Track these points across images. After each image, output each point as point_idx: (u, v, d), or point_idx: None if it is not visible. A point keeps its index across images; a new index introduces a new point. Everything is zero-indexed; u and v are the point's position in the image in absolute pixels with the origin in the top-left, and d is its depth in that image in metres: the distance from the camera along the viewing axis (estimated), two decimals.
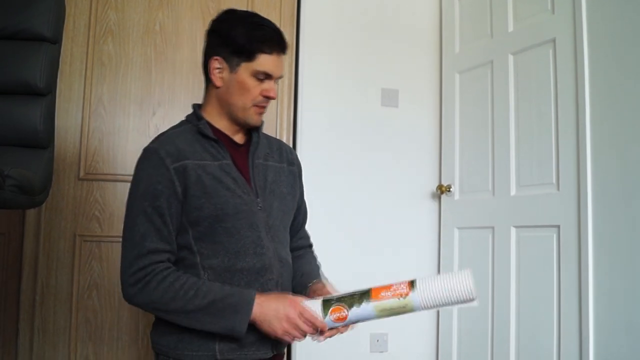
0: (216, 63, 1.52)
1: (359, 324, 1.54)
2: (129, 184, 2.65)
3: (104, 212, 2.69)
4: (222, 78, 1.53)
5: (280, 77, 1.58)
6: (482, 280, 2.72)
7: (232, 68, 1.51)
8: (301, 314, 1.38)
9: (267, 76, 1.52)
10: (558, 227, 2.36)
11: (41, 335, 2.58)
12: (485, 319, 2.68)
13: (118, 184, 2.71)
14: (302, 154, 2.91)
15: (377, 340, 2.93)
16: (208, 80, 1.57)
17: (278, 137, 2.93)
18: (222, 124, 1.57)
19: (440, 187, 3.01)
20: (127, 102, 2.76)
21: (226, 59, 1.51)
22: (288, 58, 2.99)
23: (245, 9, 2.91)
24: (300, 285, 1.63)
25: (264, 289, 1.47)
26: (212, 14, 2.83)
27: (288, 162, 1.70)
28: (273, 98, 1.56)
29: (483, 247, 2.74)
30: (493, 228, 2.69)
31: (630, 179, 2.09)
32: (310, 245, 1.84)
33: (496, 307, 2.62)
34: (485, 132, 2.78)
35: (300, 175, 1.76)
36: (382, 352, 2.94)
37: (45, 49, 1.78)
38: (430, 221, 3.10)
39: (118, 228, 2.66)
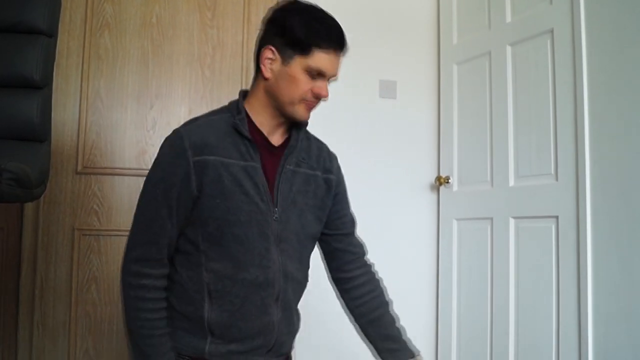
0: (269, 53, 1.45)
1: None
2: (127, 178, 2.71)
3: (102, 206, 2.69)
4: (272, 69, 1.45)
5: (334, 78, 1.50)
6: (481, 271, 2.72)
7: (285, 60, 1.43)
8: None
9: (320, 74, 1.45)
10: (556, 217, 2.36)
11: (41, 330, 2.58)
12: (484, 309, 2.68)
13: (116, 177, 2.70)
14: None
15: None
16: (257, 70, 1.50)
17: None
18: (263, 118, 1.50)
19: (438, 178, 3.01)
20: (124, 95, 2.75)
21: (280, 50, 1.44)
22: None
23: None
24: (385, 352, 1.60)
25: (263, 303, 1.45)
26: (209, 6, 2.87)
27: (324, 169, 1.61)
28: (325, 97, 1.48)
29: (482, 238, 2.74)
30: (492, 219, 2.69)
31: (628, 170, 2.09)
32: (364, 254, 1.73)
33: (495, 298, 2.63)
34: (483, 123, 2.78)
35: (340, 184, 1.67)
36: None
37: (41, 42, 1.77)
38: (428, 213, 3.10)
39: (117, 222, 2.68)
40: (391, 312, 1.65)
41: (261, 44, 1.48)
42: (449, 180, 2.97)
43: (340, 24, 1.50)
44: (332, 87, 3.18)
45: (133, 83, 2.77)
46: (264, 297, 1.45)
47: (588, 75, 2.26)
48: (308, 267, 1.61)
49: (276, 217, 1.46)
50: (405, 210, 3.08)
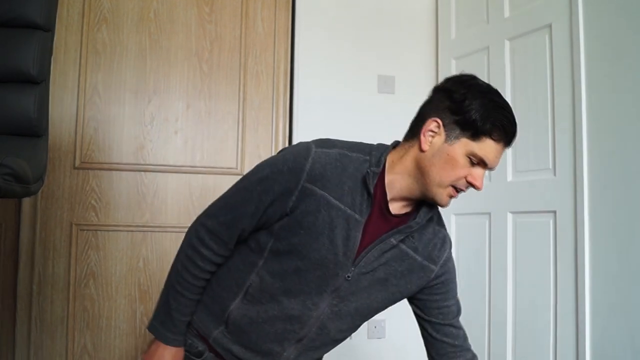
0: (434, 125, 1.34)
1: None
2: (125, 173, 2.71)
3: (100, 201, 2.69)
4: (431, 143, 1.34)
5: (492, 169, 1.38)
6: (478, 266, 2.73)
7: (449, 138, 1.32)
8: None
9: (481, 163, 1.34)
10: (554, 212, 2.36)
11: (39, 325, 2.58)
12: (482, 304, 2.68)
13: (114, 172, 2.70)
14: (297, 140, 2.91)
15: (375, 327, 2.94)
16: (413, 136, 1.40)
17: (274, 126, 2.93)
18: (397, 183, 1.39)
19: None
20: (122, 90, 2.75)
21: (446, 126, 1.33)
22: (283, 44, 2.98)
23: None
24: None
25: (283, 335, 1.43)
26: (207, 1, 2.87)
27: (428, 257, 1.47)
28: (477, 188, 1.36)
29: (480, 233, 2.74)
30: (490, 214, 2.69)
31: (626, 164, 2.09)
32: (465, 347, 1.58)
33: (493, 292, 2.63)
34: None
35: (441, 276, 1.52)
36: (379, 338, 2.95)
37: (38, 37, 1.76)
38: None
39: (115, 217, 2.68)
40: None
41: (427, 112, 1.38)
42: None
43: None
44: (331, 82, 3.18)
45: (131, 78, 2.76)
46: (288, 331, 1.42)
47: (586, 70, 2.26)
48: (353, 331, 1.54)
49: (348, 276, 1.38)
50: None
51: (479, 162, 1.33)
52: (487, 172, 1.39)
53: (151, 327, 1.46)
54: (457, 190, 1.38)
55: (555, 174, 2.37)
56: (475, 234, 2.78)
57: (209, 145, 2.84)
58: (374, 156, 1.39)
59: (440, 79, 3.04)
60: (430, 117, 1.36)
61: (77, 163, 2.67)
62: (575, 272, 2.24)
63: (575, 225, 2.26)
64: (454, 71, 3.01)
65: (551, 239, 2.37)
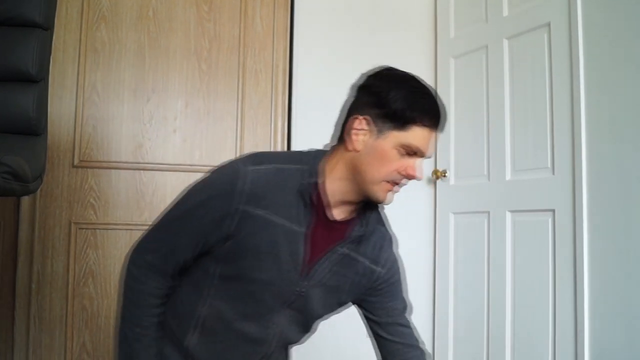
0: (360, 123, 1.31)
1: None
2: (123, 171, 2.71)
3: (99, 200, 2.69)
4: (361, 142, 1.31)
5: (428, 157, 1.36)
6: (477, 265, 2.73)
7: (378, 134, 1.29)
8: None
9: (414, 152, 1.31)
10: (553, 211, 2.36)
11: (37, 323, 2.58)
12: (480, 303, 2.68)
13: (113, 171, 2.70)
14: (296, 140, 2.91)
15: None
16: (341, 139, 1.36)
17: (273, 125, 2.93)
18: (337, 190, 1.35)
19: (435, 172, 3.01)
20: (121, 89, 2.75)
21: (373, 122, 1.30)
22: (282, 43, 2.97)
23: None
24: None
25: (246, 356, 1.41)
26: None
27: (374, 260, 1.46)
28: (415, 178, 1.34)
29: (478, 232, 2.74)
30: (488, 213, 2.69)
31: (624, 163, 2.09)
32: (413, 343, 1.55)
33: (492, 291, 2.63)
34: (480, 116, 2.78)
35: (389, 279, 1.51)
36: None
37: (37, 35, 1.76)
38: (425, 206, 3.10)
39: (113, 215, 2.68)
40: None
41: (350, 111, 1.35)
42: (446, 174, 2.97)
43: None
44: (330, 82, 3.17)
45: (130, 76, 2.76)
46: (250, 353, 1.41)
47: (585, 69, 2.26)
48: (309, 332, 1.54)
49: (302, 292, 1.37)
50: (402, 203, 3.05)
51: (413, 152, 1.31)
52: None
53: None
54: (396, 184, 1.35)
55: (553, 173, 2.38)
56: (473, 232, 2.78)
57: (208, 144, 2.84)
58: (308, 165, 1.35)
59: (439, 78, 3.07)
60: (353, 115, 1.33)
61: (76, 161, 2.67)
62: (573, 270, 2.25)
63: (574, 223, 2.26)
64: (452, 70, 3.01)
65: (550, 238, 2.37)
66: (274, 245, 1.31)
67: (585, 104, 2.25)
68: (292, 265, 1.33)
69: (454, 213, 2.93)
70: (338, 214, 1.37)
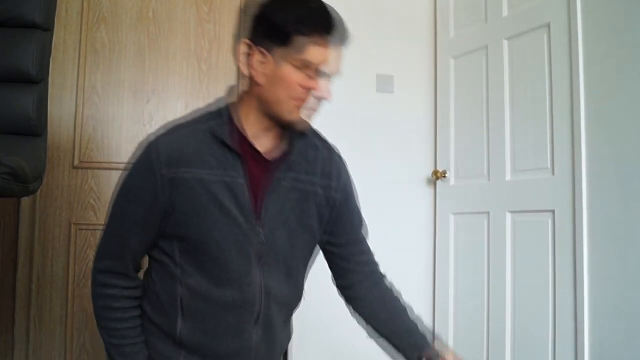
0: (258, 55, 1.27)
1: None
2: (124, 172, 2.69)
3: (99, 201, 2.68)
4: (263, 72, 1.28)
5: (335, 73, 1.31)
6: (477, 265, 2.73)
7: (275, 60, 1.26)
8: None
9: (320, 72, 1.28)
10: (553, 211, 2.36)
11: (37, 324, 2.57)
12: (481, 304, 2.69)
13: (113, 172, 2.70)
14: None
15: None
16: (244, 73, 1.33)
17: None
18: (255, 128, 1.33)
19: (435, 172, 3.01)
20: (120, 89, 2.75)
21: (270, 50, 1.26)
22: None
23: None
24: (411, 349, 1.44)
25: (240, 325, 1.35)
26: (205, 0, 2.85)
27: (325, 186, 1.43)
28: (324, 98, 1.31)
29: (478, 232, 2.74)
30: (488, 213, 2.69)
31: (624, 164, 2.10)
32: (374, 270, 1.55)
33: (492, 292, 2.63)
34: (480, 117, 2.78)
35: (345, 202, 1.49)
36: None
37: (38, 36, 1.77)
38: (425, 207, 3.10)
39: None
40: (410, 313, 1.51)
41: (243, 44, 1.31)
42: (446, 175, 2.97)
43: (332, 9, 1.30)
44: (330, 81, 3.16)
45: (129, 77, 2.76)
46: (241, 319, 1.34)
47: (584, 69, 2.26)
48: (301, 287, 1.48)
49: (262, 240, 1.33)
50: (402, 204, 3.08)
51: (315, 71, 1.27)
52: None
53: None
54: (302, 100, 1.30)
55: (553, 173, 2.38)
56: (473, 233, 2.78)
57: None
58: (217, 113, 1.34)
59: (439, 78, 3.07)
60: (248, 47, 1.29)
61: (76, 162, 2.67)
62: (573, 271, 2.25)
63: (574, 224, 2.26)
64: (452, 70, 3.01)
65: (550, 238, 2.37)
66: (214, 201, 1.28)
67: (585, 104, 2.25)
68: (241, 214, 1.30)
69: (454, 213, 2.93)
70: (268, 152, 1.35)
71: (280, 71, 1.26)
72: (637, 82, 2.07)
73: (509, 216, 2.59)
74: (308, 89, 1.28)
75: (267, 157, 1.35)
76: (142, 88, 2.77)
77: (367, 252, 1.55)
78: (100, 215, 2.67)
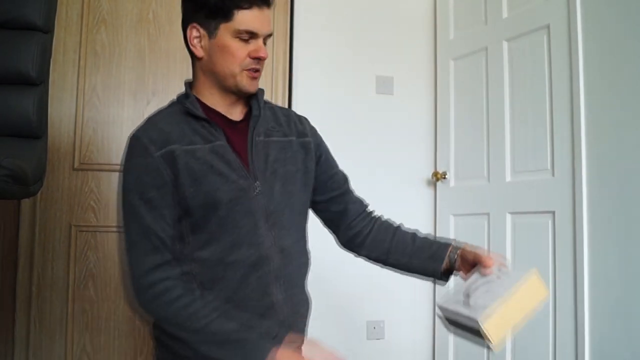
0: (194, 31, 1.38)
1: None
2: (121, 173, 2.68)
3: (99, 202, 2.69)
4: (202, 47, 1.39)
5: (269, 35, 1.41)
6: None
7: (211, 33, 1.36)
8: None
9: (252, 35, 1.37)
10: (553, 213, 2.36)
11: (38, 326, 2.58)
12: None
13: (113, 173, 2.70)
14: None
15: (374, 328, 2.93)
16: (191, 54, 1.43)
17: None
18: (214, 100, 1.43)
19: (435, 174, 3.01)
20: (121, 91, 2.75)
21: (203, 25, 1.37)
22: (282, 45, 2.98)
23: None
24: (432, 261, 1.53)
25: (261, 284, 1.37)
26: None
27: (298, 133, 1.54)
28: (263, 58, 1.39)
29: (478, 233, 2.74)
30: (488, 214, 2.69)
31: (624, 165, 2.10)
32: (365, 208, 1.65)
33: None
34: (480, 118, 2.78)
35: (319, 145, 1.59)
36: (378, 339, 2.95)
37: (38, 38, 1.77)
38: (425, 208, 3.10)
39: (113, 218, 2.68)
40: (412, 233, 1.61)
41: (184, 26, 1.42)
42: (446, 176, 2.97)
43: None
44: (330, 83, 3.18)
45: (130, 79, 2.76)
46: (261, 277, 1.37)
47: (584, 71, 2.26)
48: (306, 240, 1.54)
49: (258, 191, 1.39)
50: (402, 205, 3.08)
51: (250, 36, 1.37)
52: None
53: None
54: (251, 70, 1.40)
55: (553, 175, 2.38)
56: (474, 234, 2.78)
57: None
58: (181, 97, 1.45)
59: (439, 80, 3.08)
60: (187, 27, 1.40)
61: (76, 164, 2.67)
62: (574, 272, 2.25)
63: (574, 225, 2.26)
64: (452, 72, 3.02)
65: (550, 239, 2.37)
66: (208, 166, 1.35)
67: (584, 105, 2.25)
68: (235, 173, 1.37)
69: (454, 215, 2.93)
70: (236, 116, 1.46)
71: (217, 43, 1.37)
72: (637, 82, 2.07)
73: (509, 217, 2.59)
74: (254, 58, 1.38)
75: (237, 119, 1.46)
76: (143, 90, 2.78)
77: (360, 201, 1.66)
78: (100, 217, 2.68)
